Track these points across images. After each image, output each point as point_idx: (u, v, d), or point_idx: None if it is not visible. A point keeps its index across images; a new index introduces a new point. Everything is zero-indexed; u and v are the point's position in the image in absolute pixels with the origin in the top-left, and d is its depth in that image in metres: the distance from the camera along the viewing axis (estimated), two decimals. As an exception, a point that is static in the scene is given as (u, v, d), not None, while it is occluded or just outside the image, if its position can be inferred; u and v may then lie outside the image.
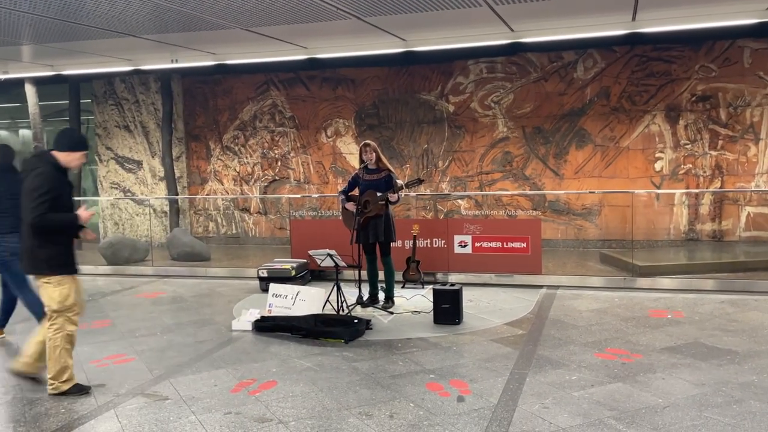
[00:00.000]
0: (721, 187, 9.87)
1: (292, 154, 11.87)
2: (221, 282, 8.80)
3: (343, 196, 6.91)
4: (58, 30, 6.91)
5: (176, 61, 8.88)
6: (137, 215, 12.37)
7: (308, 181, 11.82)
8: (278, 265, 8.15)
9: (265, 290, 7.05)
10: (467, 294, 6.96)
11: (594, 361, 4.96)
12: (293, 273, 8.00)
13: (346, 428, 3.85)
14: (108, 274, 9.72)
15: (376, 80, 11.27)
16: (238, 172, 12.15)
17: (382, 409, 4.12)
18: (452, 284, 6.49)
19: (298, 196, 11.73)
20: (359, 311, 6.69)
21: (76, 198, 12.12)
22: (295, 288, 6.54)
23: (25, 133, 13.38)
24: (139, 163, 12.28)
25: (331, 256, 6.45)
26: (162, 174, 12.04)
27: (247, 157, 12.09)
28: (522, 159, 10.66)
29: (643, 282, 7.69)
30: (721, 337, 5.55)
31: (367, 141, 6.85)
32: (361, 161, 6.80)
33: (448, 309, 6.17)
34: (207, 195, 12.39)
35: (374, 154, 6.70)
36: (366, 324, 6.02)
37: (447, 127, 11.00)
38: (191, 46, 7.98)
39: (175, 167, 11.98)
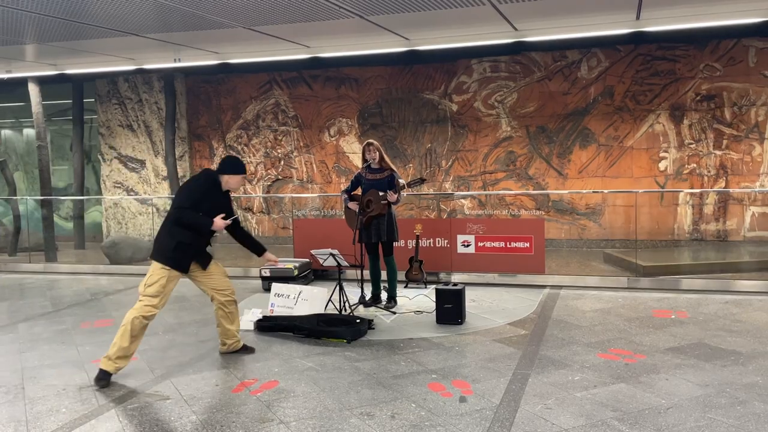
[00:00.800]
0: (725, 187, 9.83)
1: (295, 154, 11.87)
2: (224, 281, 8.79)
3: (346, 196, 6.90)
4: (61, 29, 6.91)
5: (179, 60, 8.87)
6: (140, 214, 12.37)
7: (311, 180, 11.81)
8: (281, 265, 8.14)
9: (268, 290, 7.05)
10: (470, 294, 6.94)
11: (597, 362, 4.94)
12: (296, 272, 7.99)
13: (347, 428, 3.83)
14: (111, 273, 9.73)
15: (379, 79, 11.25)
16: (241, 172, 12.14)
17: (383, 410, 4.10)
18: (455, 284, 6.46)
19: (301, 195, 11.73)
20: (361, 311, 6.68)
21: (81, 197, 12.17)
22: (298, 287, 6.53)
23: (29, 132, 13.41)
24: (143, 163, 12.29)
25: (333, 255, 6.44)
26: (165, 173, 12.05)
27: (250, 157, 12.08)
28: (525, 158, 10.63)
29: (647, 282, 7.66)
30: (725, 337, 5.52)
31: (371, 140, 6.84)
32: (365, 160, 6.79)
33: (450, 309, 6.16)
34: (210, 194, 12.37)
35: (377, 153, 6.69)
36: (368, 324, 6.01)
37: (450, 127, 10.97)
38: (194, 45, 7.98)
39: (178, 166, 11.98)
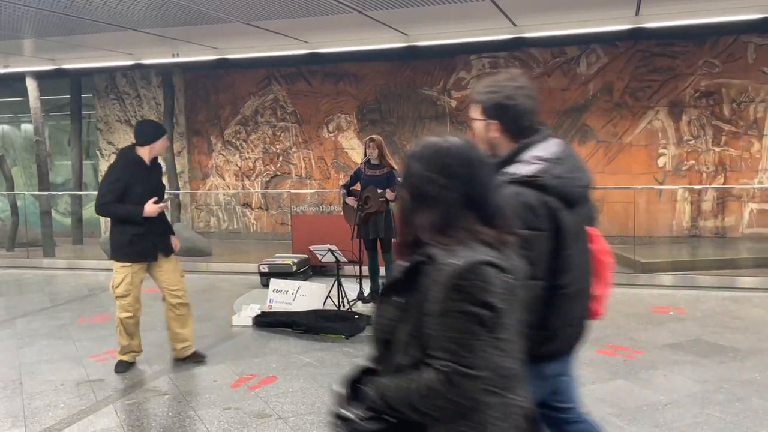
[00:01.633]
0: (724, 184, 9.82)
1: (293, 150, 11.85)
2: (222, 277, 8.79)
3: (344, 191, 6.88)
4: (59, 24, 6.89)
5: (177, 55, 8.85)
6: (139, 210, 12.35)
7: (310, 176, 11.79)
8: (279, 261, 8.14)
9: (266, 286, 7.04)
10: (468, 290, 6.93)
11: (595, 358, 4.94)
12: (294, 268, 7.99)
13: (345, 424, 3.83)
14: (109, 268, 9.68)
15: (378, 75, 11.23)
16: (240, 167, 12.13)
17: (382, 405, 4.10)
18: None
19: (300, 191, 11.71)
20: (360, 307, 6.67)
21: (79, 193, 12.15)
22: (296, 283, 6.53)
23: (27, 127, 13.37)
24: (141, 158, 12.25)
25: (332, 251, 6.44)
26: (163, 168, 12.01)
27: (248, 152, 12.06)
28: (524, 155, 10.61)
29: (646, 278, 7.66)
30: (723, 334, 5.53)
31: (373, 136, 6.82)
32: (365, 155, 6.79)
33: (449, 305, 6.14)
34: (208, 190, 12.37)
35: (377, 150, 6.67)
36: (367, 320, 6.00)
37: (449, 123, 10.96)
38: (192, 40, 7.96)
39: (176, 162, 11.96)
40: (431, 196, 1.60)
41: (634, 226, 9.43)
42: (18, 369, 5.02)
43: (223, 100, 12.11)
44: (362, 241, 6.75)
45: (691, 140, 9.93)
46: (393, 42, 8.07)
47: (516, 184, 2.02)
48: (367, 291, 6.99)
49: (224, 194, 12.30)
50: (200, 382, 4.61)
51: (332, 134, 11.61)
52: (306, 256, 8.33)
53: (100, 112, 12.38)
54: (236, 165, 12.15)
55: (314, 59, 10.35)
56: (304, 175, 11.82)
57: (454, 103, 10.90)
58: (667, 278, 7.63)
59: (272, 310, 6.34)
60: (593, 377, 4.52)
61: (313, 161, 11.76)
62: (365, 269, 6.97)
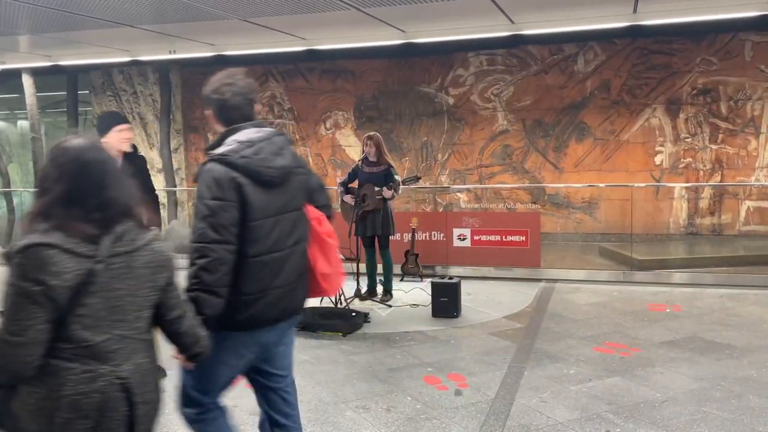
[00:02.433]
0: (721, 181, 9.84)
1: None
2: (219, 274, 8.77)
3: (342, 188, 6.87)
4: (55, 20, 6.85)
5: (174, 52, 8.82)
6: (135, 207, 12.33)
7: (307, 173, 11.77)
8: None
9: (263, 283, 7.02)
10: (466, 287, 6.94)
11: (592, 355, 4.95)
12: (291, 265, 7.97)
13: (343, 421, 3.83)
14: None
15: (375, 72, 11.21)
16: (237, 164, 12.10)
17: (379, 403, 4.10)
18: (451, 277, 6.46)
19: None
20: (357, 304, 6.67)
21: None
22: (293, 280, 6.51)
23: (23, 124, 13.33)
24: (138, 155, 12.23)
25: (329, 248, 6.42)
26: (160, 166, 12.00)
27: (245, 149, 12.03)
28: (522, 152, 10.62)
29: (642, 276, 7.67)
30: (720, 331, 5.54)
31: (371, 133, 6.81)
32: (363, 152, 6.79)
33: (446, 302, 6.15)
34: (205, 187, 12.33)
35: (374, 148, 6.66)
36: (364, 317, 6.00)
37: (447, 120, 10.95)
38: (189, 36, 7.93)
39: (173, 159, 11.93)
40: (44, 188, 1.86)
41: (631, 224, 9.44)
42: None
43: (220, 97, 12.06)
44: (359, 238, 6.75)
45: (688, 138, 9.94)
46: (391, 39, 8.05)
47: (212, 162, 2.40)
48: (364, 288, 6.99)
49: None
50: (197, 380, 4.60)
51: (330, 131, 11.59)
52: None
53: (96, 109, 12.34)
54: (233, 162, 12.11)
55: (312, 56, 10.34)
56: (301, 172, 11.79)
57: (451, 100, 10.89)
58: (663, 276, 7.64)
59: (269, 307, 6.33)
60: (590, 374, 4.53)
61: (310, 158, 11.74)
62: (363, 266, 6.97)
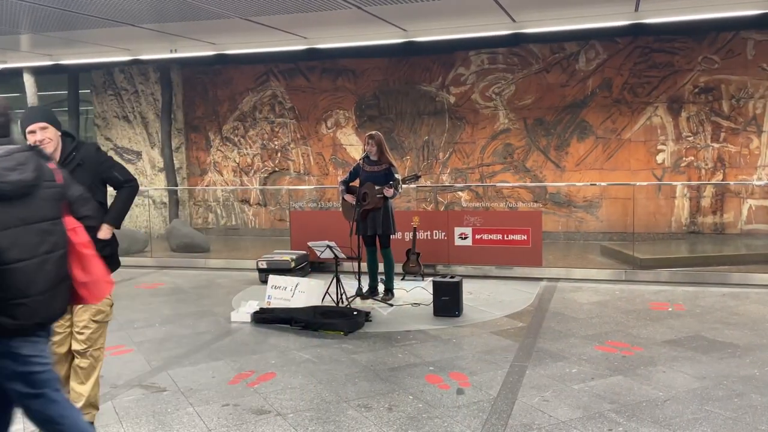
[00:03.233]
0: (723, 180, 9.82)
1: (292, 146, 11.82)
2: (220, 273, 8.78)
3: (343, 187, 6.87)
4: (56, 19, 6.86)
5: (175, 51, 8.82)
6: (136, 206, 12.32)
7: (308, 172, 11.77)
8: (278, 257, 8.13)
9: (265, 282, 7.02)
10: (467, 286, 6.94)
11: (594, 354, 4.94)
12: (293, 265, 7.97)
13: (344, 420, 3.83)
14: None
15: (376, 71, 11.20)
16: (238, 163, 12.11)
17: (381, 402, 4.09)
18: (452, 276, 6.46)
19: (298, 187, 11.69)
20: (359, 303, 6.67)
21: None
22: (295, 280, 6.51)
23: (24, 123, 13.33)
24: (139, 154, 12.24)
25: (330, 247, 6.42)
26: (161, 165, 12.00)
27: (246, 148, 12.04)
28: (523, 151, 10.61)
29: (644, 275, 7.66)
30: (722, 330, 5.53)
31: (372, 132, 6.81)
32: (365, 151, 6.78)
33: (447, 301, 6.15)
34: (206, 186, 12.35)
35: (375, 147, 6.65)
36: (365, 316, 6.00)
37: (448, 119, 10.94)
38: (190, 35, 7.93)
39: (174, 158, 11.94)
40: None
41: (633, 223, 9.43)
42: (16, 365, 5.00)
43: (221, 96, 12.08)
44: (360, 237, 6.75)
45: (690, 136, 9.93)
46: (392, 37, 8.05)
47: None
48: (365, 287, 6.98)
49: (222, 190, 12.28)
50: (199, 379, 4.60)
51: (331, 130, 11.59)
52: (304, 252, 8.32)
53: (97, 108, 12.34)
54: (234, 161, 12.13)
55: (313, 55, 10.34)
56: (302, 171, 11.80)
57: (452, 99, 10.87)
58: (665, 274, 7.63)
59: (271, 306, 6.33)
60: (592, 373, 4.52)
61: (311, 157, 11.73)
62: (364, 265, 6.96)
